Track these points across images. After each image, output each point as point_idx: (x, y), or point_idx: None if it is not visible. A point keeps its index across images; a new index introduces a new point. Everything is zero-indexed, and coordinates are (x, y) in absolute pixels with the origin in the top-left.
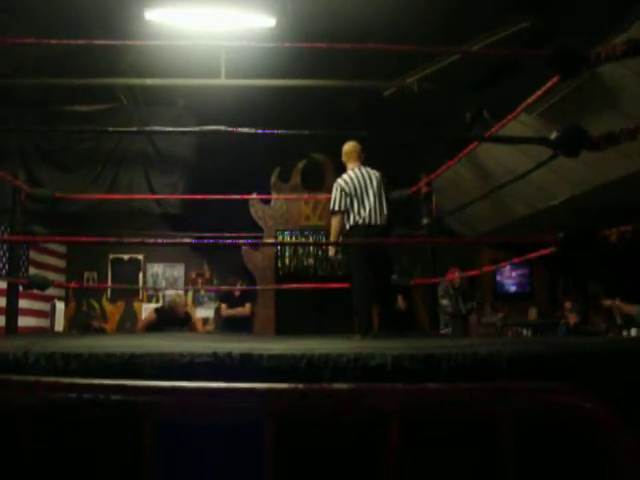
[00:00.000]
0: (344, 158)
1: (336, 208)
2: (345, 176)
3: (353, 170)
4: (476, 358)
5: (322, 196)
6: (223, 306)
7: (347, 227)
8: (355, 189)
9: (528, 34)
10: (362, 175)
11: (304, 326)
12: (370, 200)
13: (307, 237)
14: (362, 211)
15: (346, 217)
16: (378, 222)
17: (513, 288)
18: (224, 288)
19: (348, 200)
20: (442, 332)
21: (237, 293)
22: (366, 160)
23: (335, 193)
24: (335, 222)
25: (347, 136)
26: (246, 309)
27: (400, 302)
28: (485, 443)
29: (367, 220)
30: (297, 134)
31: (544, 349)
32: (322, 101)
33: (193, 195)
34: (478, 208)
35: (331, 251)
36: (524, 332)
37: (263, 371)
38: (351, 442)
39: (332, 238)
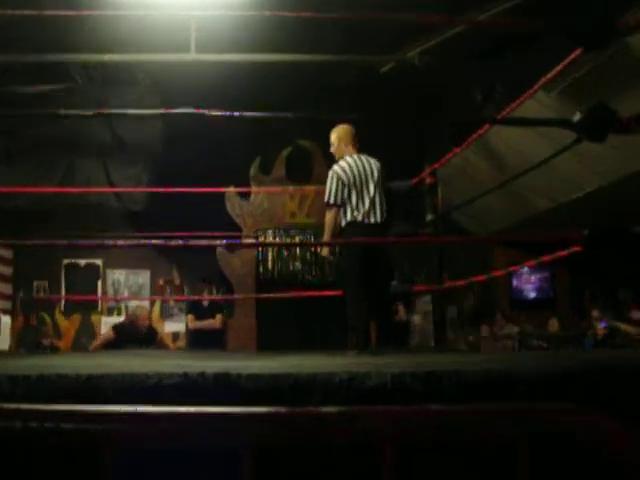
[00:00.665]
0: (336, 143)
1: (332, 201)
2: (343, 163)
3: (351, 157)
4: (488, 376)
5: (310, 189)
6: (190, 317)
7: (342, 223)
8: (354, 179)
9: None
10: (362, 164)
11: (290, 341)
12: (370, 193)
13: (293, 237)
14: (361, 206)
15: (342, 212)
16: (378, 220)
17: (532, 294)
18: (196, 297)
19: (346, 192)
20: None
21: (205, 303)
22: (363, 144)
23: (331, 183)
24: (330, 217)
25: (338, 119)
26: (216, 321)
27: (401, 312)
28: (495, 469)
29: (366, 217)
30: (280, 117)
31: (568, 366)
32: (309, 79)
33: (159, 188)
34: (491, 201)
35: (325, 251)
36: (544, 345)
37: (241, 393)
38: (343, 467)
39: (326, 236)
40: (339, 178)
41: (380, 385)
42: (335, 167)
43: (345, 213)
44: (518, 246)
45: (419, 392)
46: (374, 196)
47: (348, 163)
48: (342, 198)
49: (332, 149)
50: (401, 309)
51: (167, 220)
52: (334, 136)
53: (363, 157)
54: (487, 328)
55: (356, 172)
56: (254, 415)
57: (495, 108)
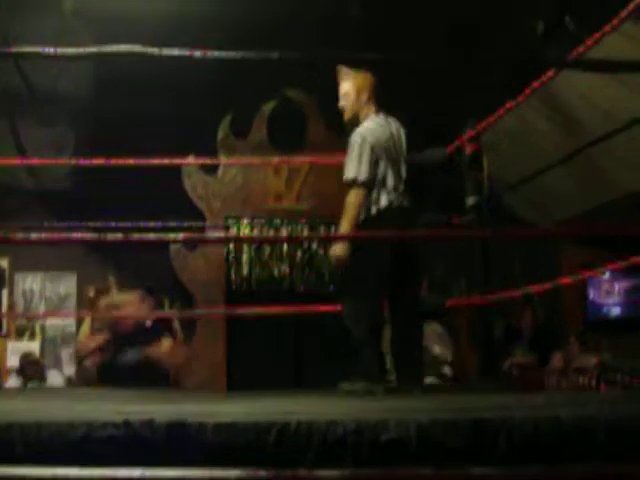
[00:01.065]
0: (353, 95)
1: (362, 177)
2: (371, 125)
3: (378, 117)
4: (556, 427)
5: (303, 161)
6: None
7: (373, 210)
8: (388, 149)
9: None
10: (390, 128)
11: (273, 375)
12: (402, 169)
13: (278, 229)
14: (397, 185)
15: (371, 194)
16: (408, 205)
17: (616, 311)
18: (138, 315)
19: (381, 166)
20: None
21: (148, 323)
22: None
23: (361, 151)
24: (356, 200)
25: (345, 60)
26: (162, 347)
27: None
28: None
29: (401, 201)
30: (261, 58)
31: None
32: (305, 5)
33: (90, 160)
34: (558, 179)
35: (339, 249)
36: (636, 384)
37: (205, 450)
38: None
39: (346, 225)
40: (372, 146)
41: (401, 439)
42: (360, 130)
43: (378, 195)
44: (596, 243)
45: (457, 450)
46: (404, 173)
47: (378, 124)
48: (375, 174)
49: (345, 103)
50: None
51: (101, 205)
52: (350, 84)
53: (389, 118)
54: (561, 357)
55: (388, 138)
56: None
57: (564, 45)
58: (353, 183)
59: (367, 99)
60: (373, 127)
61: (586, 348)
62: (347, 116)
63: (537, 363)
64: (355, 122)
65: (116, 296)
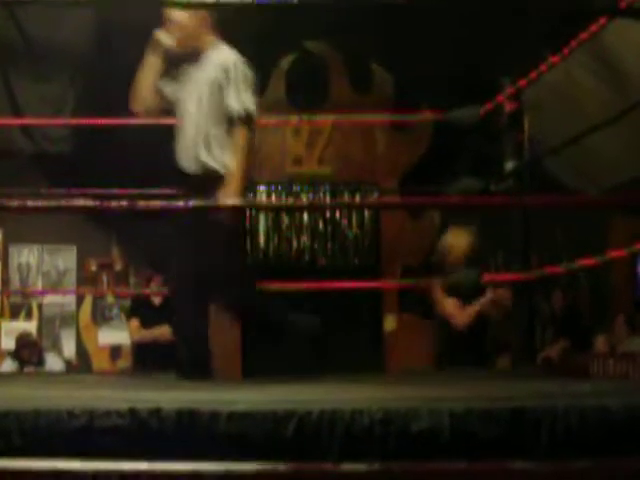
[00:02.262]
0: (197, 22)
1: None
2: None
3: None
4: (603, 418)
5: (325, 121)
6: (133, 324)
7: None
8: None
9: None
10: None
11: (294, 359)
12: None
13: (298, 196)
14: None
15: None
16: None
17: None
18: (145, 292)
19: None
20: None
21: (157, 300)
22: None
23: (246, 81)
24: (246, 139)
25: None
26: (167, 329)
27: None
28: None
29: None
30: (278, 3)
31: None
32: None
33: (92, 120)
34: (607, 142)
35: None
36: None
37: (219, 442)
38: None
39: (238, 180)
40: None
41: (434, 430)
42: (234, 55)
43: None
44: None
45: (494, 442)
46: None
47: None
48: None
49: (180, 30)
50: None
51: (103, 170)
52: (186, 14)
53: None
54: (604, 340)
55: None
56: (237, 477)
57: None
58: (241, 118)
59: (208, 27)
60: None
61: (635, 330)
62: (184, 42)
63: (572, 348)
64: (196, 51)
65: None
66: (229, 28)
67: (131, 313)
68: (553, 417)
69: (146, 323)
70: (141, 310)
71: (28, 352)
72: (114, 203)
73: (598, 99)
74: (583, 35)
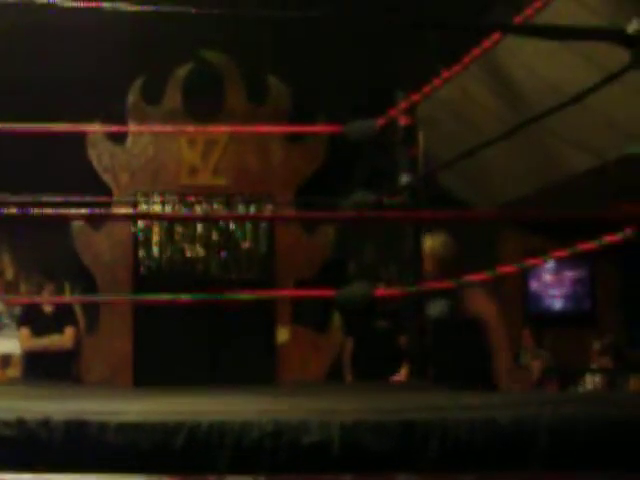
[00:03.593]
0: None
1: None
2: None
3: None
4: (493, 429)
5: (221, 130)
6: (24, 333)
7: None
8: None
9: None
10: None
11: (185, 369)
12: None
13: (192, 206)
14: None
15: None
16: None
17: (558, 304)
18: (36, 300)
19: None
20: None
21: (49, 309)
22: (305, 63)
23: None
24: None
25: (269, 18)
26: (65, 338)
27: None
28: None
29: None
30: (176, 12)
31: (611, 413)
32: None
33: None
34: (500, 157)
35: None
36: (586, 382)
37: (107, 453)
38: None
39: None
40: None
41: (324, 442)
42: None
43: None
44: (539, 228)
45: (386, 454)
46: None
47: None
48: None
49: None
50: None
51: None
52: None
53: None
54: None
55: None
56: None
57: (508, 9)
58: None
59: None
60: None
61: (527, 343)
62: None
63: None
64: None
65: None
66: (126, 37)
67: (22, 322)
68: (443, 429)
69: (37, 332)
70: (32, 319)
71: None
72: (4, 210)
73: (493, 115)
74: (476, 51)
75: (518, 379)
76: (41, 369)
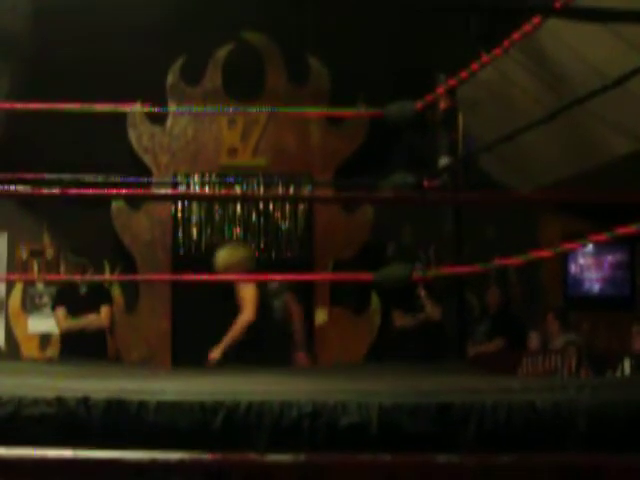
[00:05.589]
0: None
1: None
2: None
3: None
4: (531, 413)
5: (261, 111)
6: (60, 313)
7: None
8: None
9: None
10: None
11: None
12: None
13: (232, 187)
14: None
15: None
16: None
17: (597, 288)
18: (77, 277)
19: None
20: None
21: (83, 290)
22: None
23: None
24: None
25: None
26: (101, 317)
27: (429, 307)
28: None
29: None
30: None
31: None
32: None
33: (25, 104)
34: (540, 140)
35: None
36: (624, 367)
37: (146, 432)
38: None
39: None
40: None
41: (362, 424)
42: None
43: None
44: (580, 212)
45: (422, 435)
46: None
47: None
48: None
49: None
50: (428, 302)
51: (36, 155)
52: None
53: None
54: (537, 337)
55: None
56: (166, 465)
57: None
58: None
59: None
60: None
61: (566, 327)
62: None
63: (506, 345)
64: None
65: None
66: (167, 18)
67: (56, 302)
68: (480, 412)
69: (72, 312)
70: (67, 299)
71: None
72: (46, 189)
73: (533, 98)
74: (516, 35)
75: (548, 364)
76: (78, 348)
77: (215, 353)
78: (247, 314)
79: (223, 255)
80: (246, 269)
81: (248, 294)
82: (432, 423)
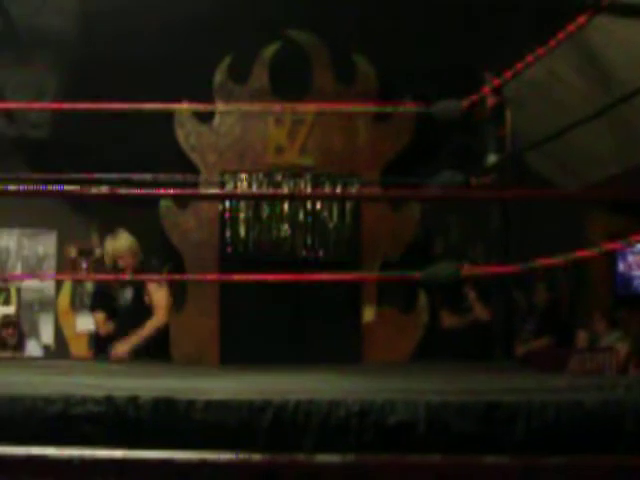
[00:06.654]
0: None
1: None
2: None
3: None
4: (579, 412)
5: (308, 109)
6: (99, 317)
7: None
8: None
9: None
10: None
11: (272, 349)
12: None
13: (279, 185)
14: None
15: None
16: None
17: None
18: (126, 278)
19: None
20: None
21: (128, 294)
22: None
23: None
24: None
25: None
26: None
27: (478, 308)
28: None
29: None
30: None
31: None
32: None
33: (73, 104)
34: (589, 138)
35: None
36: None
37: (194, 430)
38: None
39: None
40: None
41: (410, 422)
42: None
43: None
44: (629, 209)
45: (470, 435)
46: None
47: None
48: None
49: None
50: (478, 304)
51: (84, 155)
52: None
53: None
54: (584, 336)
55: None
56: (211, 466)
57: None
58: None
59: None
60: None
61: (614, 325)
62: None
63: (554, 343)
64: None
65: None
66: (213, 16)
67: (94, 305)
68: (528, 412)
69: (112, 314)
70: (105, 302)
71: (10, 331)
72: (94, 189)
73: (581, 95)
74: (565, 32)
75: (596, 363)
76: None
77: (122, 348)
78: (158, 319)
79: (114, 244)
80: (136, 258)
81: (160, 299)
82: (480, 422)
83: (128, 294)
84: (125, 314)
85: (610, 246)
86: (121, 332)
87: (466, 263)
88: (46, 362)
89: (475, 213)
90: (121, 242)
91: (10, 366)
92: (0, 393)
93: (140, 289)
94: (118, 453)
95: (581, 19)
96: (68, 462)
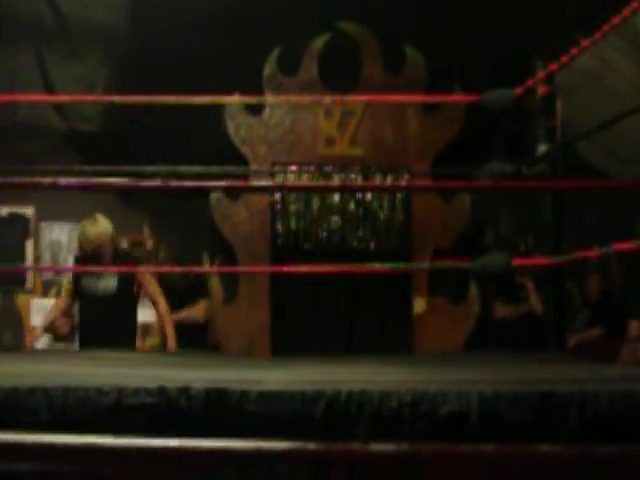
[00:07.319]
0: None
1: None
2: None
3: None
4: (632, 402)
5: (358, 100)
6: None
7: None
8: None
9: None
10: None
11: (323, 340)
12: None
13: (330, 177)
14: None
15: None
16: None
17: None
18: (179, 269)
19: None
20: None
21: (111, 282)
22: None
23: None
24: None
25: None
26: (198, 310)
27: (534, 298)
28: None
29: None
30: None
31: None
32: None
33: (124, 97)
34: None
35: None
36: None
37: (247, 421)
38: None
39: None
40: None
41: (462, 413)
42: None
43: None
44: None
45: (523, 425)
46: None
47: None
48: None
49: None
50: (534, 295)
51: (135, 148)
52: None
53: None
54: (637, 325)
55: None
56: (267, 455)
57: None
58: None
59: None
60: None
61: None
62: None
63: (606, 333)
64: None
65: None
66: (263, 8)
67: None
68: (581, 402)
69: (169, 305)
70: (165, 293)
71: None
72: (146, 182)
73: (632, 83)
74: (616, 19)
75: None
76: (182, 340)
77: (171, 344)
78: (162, 303)
79: (96, 229)
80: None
81: (156, 289)
82: (533, 412)
83: (111, 282)
84: (109, 303)
85: None
86: (104, 324)
87: (518, 254)
88: (99, 354)
89: (527, 203)
90: (102, 227)
91: (65, 358)
92: (55, 384)
93: (126, 279)
94: (174, 442)
95: (634, 4)
96: (126, 451)
